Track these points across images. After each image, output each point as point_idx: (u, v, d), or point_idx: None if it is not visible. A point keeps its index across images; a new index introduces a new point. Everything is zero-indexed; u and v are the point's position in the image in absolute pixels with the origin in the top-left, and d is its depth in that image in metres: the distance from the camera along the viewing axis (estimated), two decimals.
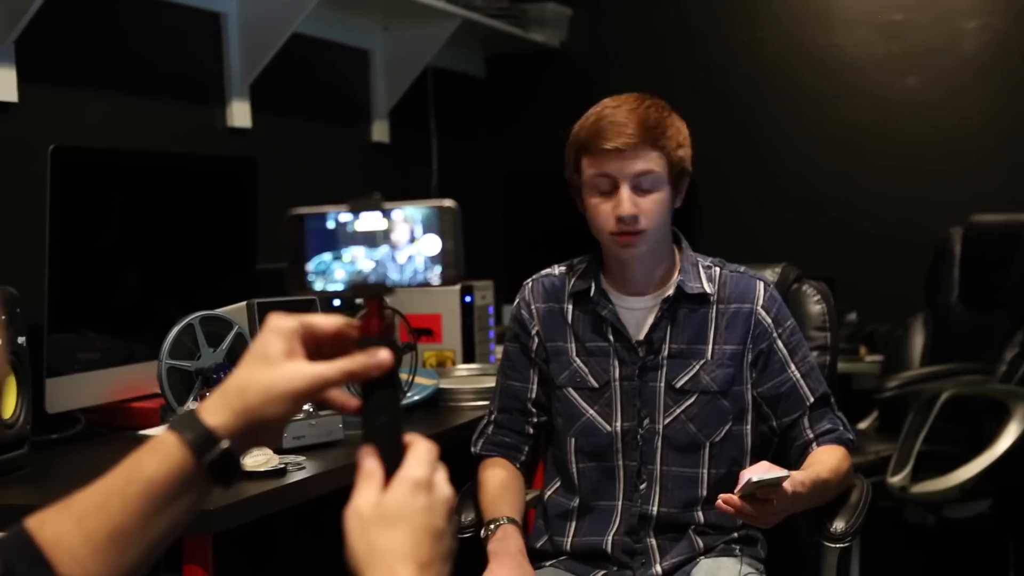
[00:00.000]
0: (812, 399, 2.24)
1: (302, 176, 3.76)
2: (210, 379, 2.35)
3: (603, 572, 2.22)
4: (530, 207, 4.66)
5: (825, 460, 2.16)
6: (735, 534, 2.24)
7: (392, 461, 1.00)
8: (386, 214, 1.03)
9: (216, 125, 3.41)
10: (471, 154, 4.96)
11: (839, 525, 2.18)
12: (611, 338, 2.25)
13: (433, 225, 1.02)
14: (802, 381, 2.24)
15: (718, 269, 2.28)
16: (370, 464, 1.00)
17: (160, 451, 1.00)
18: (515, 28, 4.59)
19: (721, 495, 1.94)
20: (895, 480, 3.53)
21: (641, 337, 2.24)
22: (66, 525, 1.00)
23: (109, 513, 0.99)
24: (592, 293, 2.26)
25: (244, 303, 2.51)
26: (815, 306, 2.55)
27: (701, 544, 2.21)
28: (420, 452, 1.00)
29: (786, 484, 1.93)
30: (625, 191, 2.14)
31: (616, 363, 2.25)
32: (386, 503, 0.97)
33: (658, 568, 2.20)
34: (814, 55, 4.67)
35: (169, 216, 2.75)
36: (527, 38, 4.70)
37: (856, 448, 2.32)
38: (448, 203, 1.02)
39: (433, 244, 1.02)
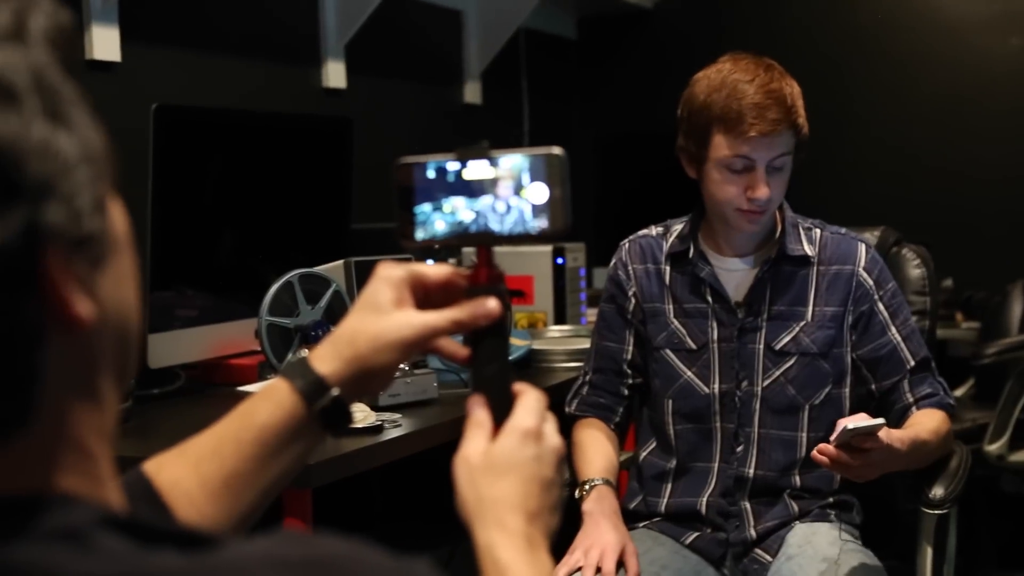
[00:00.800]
0: (913, 362, 2.20)
1: (396, 136, 3.77)
2: (308, 336, 2.37)
3: (696, 534, 2.21)
4: (621, 170, 4.64)
5: (925, 422, 2.13)
6: (830, 499, 2.21)
7: (501, 411, 0.99)
8: (493, 162, 1.01)
9: (312, 85, 3.43)
10: (562, 116, 4.94)
11: (938, 492, 2.14)
12: (709, 299, 2.23)
13: (540, 173, 1.00)
14: (903, 344, 2.20)
15: (819, 231, 2.25)
16: (479, 413, 1.00)
17: (272, 398, 1.01)
18: None
19: (817, 446, 1.91)
20: (992, 448, 3.48)
21: (740, 298, 2.22)
22: (182, 470, 1.01)
23: (223, 458, 1.01)
24: (690, 254, 2.24)
25: (341, 261, 2.53)
26: (915, 270, 2.51)
27: (796, 508, 2.19)
28: (529, 402, 1.00)
29: (881, 433, 1.88)
30: (761, 174, 2.11)
31: (715, 324, 2.23)
32: (495, 452, 0.97)
33: (752, 532, 2.18)
34: (915, 14, 4.57)
35: (266, 175, 2.78)
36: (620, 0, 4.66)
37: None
38: (556, 150, 1.00)
39: (540, 192, 1.00)
